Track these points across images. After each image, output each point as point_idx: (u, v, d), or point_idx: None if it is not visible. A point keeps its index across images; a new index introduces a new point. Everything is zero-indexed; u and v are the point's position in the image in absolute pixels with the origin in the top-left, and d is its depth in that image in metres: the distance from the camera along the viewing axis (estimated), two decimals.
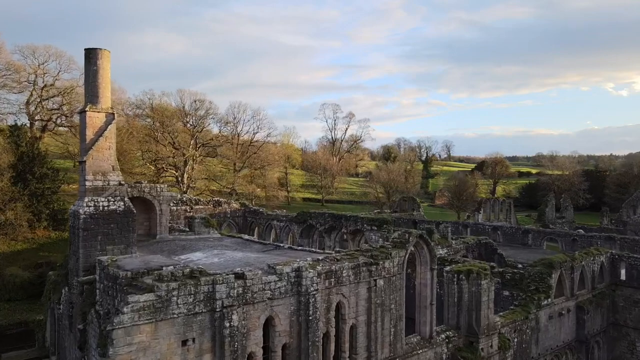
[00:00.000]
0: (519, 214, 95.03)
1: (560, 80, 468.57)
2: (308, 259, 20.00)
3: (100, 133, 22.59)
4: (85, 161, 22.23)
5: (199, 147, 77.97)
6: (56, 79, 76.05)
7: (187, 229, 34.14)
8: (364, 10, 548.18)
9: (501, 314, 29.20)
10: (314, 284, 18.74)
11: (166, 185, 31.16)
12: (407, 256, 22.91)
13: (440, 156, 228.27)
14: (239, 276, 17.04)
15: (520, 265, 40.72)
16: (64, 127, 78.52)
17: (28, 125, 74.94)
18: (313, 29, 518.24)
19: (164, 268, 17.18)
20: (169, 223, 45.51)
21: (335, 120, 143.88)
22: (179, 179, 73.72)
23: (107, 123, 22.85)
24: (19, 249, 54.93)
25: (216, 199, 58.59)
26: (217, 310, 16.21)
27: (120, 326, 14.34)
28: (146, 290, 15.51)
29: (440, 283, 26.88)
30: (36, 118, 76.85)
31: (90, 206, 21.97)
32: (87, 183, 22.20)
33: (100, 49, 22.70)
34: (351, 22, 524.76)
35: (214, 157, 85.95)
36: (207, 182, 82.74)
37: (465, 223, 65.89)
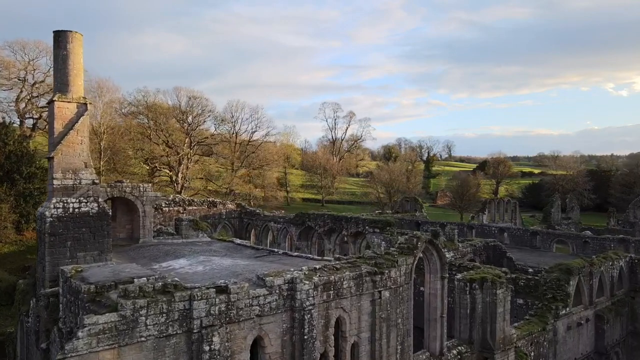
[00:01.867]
0: (523, 215, 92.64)
1: (560, 80, 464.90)
2: (303, 268, 17.51)
3: (70, 126, 20.10)
4: (53, 157, 19.77)
5: (193, 146, 75.47)
6: (47, 76, 73.37)
7: (175, 232, 31.66)
8: (364, 10, 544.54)
9: (516, 325, 26.70)
10: (310, 298, 16.25)
11: (151, 185, 28.68)
12: (415, 264, 20.46)
13: (441, 156, 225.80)
14: (222, 290, 14.55)
15: (530, 270, 38.32)
16: None
17: (18, 123, 72.49)
18: (313, 29, 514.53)
19: (135, 280, 14.72)
20: (159, 225, 43.12)
21: (335, 120, 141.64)
22: (173, 178, 71.24)
23: (79, 115, 20.37)
24: (5, 251, 52.57)
25: (211, 199, 56.10)
26: (195, 331, 13.71)
27: (74, 354, 11.86)
28: (109, 308, 13.05)
29: (449, 290, 24.42)
30: (26, 116, 74.35)
31: (59, 208, 19.49)
32: (55, 182, 19.72)
33: (71, 31, 20.22)
34: (351, 22, 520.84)
35: (208, 156, 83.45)
36: (203, 182, 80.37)
37: (471, 224, 63.40)
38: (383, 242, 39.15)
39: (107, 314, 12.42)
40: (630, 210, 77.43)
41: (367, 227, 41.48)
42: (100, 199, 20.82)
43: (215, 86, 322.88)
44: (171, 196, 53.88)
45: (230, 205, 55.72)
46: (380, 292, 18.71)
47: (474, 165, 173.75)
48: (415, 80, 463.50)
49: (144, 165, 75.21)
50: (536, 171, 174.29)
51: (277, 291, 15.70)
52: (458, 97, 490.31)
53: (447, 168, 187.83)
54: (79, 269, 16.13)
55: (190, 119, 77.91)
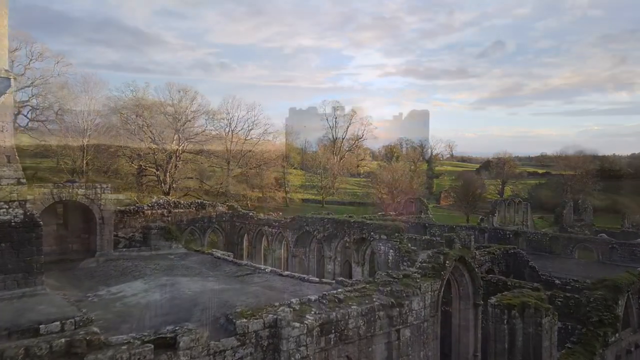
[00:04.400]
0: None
1: None
2: (293, 301, 12.59)
3: None
4: None
5: (182, 144, 70.60)
6: (27, 68, 68.54)
7: (144, 242, 26.72)
8: (364, 10, 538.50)
9: (559, 356, 21.76)
10: (302, 348, 11.33)
11: (107, 185, 23.70)
12: (442, 289, 15.55)
13: (442, 156, 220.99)
14: (166, 344, 9.63)
15: (557, 282, 33.42)
16: (37, 121, 71.31)
17: None
18: (313, 29, 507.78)
19: (41, 327, 9.85)
20: (135, 232, 38.18)
21: (336, 119, 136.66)
22: (161, 178, 66.35)
23: None
24: None
25: (199, 201, 51.17)
26: None
27: None
28: None
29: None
30: None
31: None
32: None
33: None
34: (351, 22, 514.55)
35: (199, 154, 78.59)
36: (196, 182, 75.65)
37: (483, 228, 58.41)
38: (391, 251, 34.23)
39: None
40: None
41: (372, 233, 36.58)
42: (27, 205, 15.84)
43: (216, 87, 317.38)
44: (155, 197, 49.05)
45: (221, 208, 50.79)
46: (398, 331, 13.80)
47: (477, 165, 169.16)
48: (416, 80, 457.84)
49: (132, 165, 70.50)
50: (540, 171, 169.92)
51: (253, 340, 10.76)
52: (458, 97, 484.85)
53: (449, 168, 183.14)
54: None
55: (183, 116, 73.26)
